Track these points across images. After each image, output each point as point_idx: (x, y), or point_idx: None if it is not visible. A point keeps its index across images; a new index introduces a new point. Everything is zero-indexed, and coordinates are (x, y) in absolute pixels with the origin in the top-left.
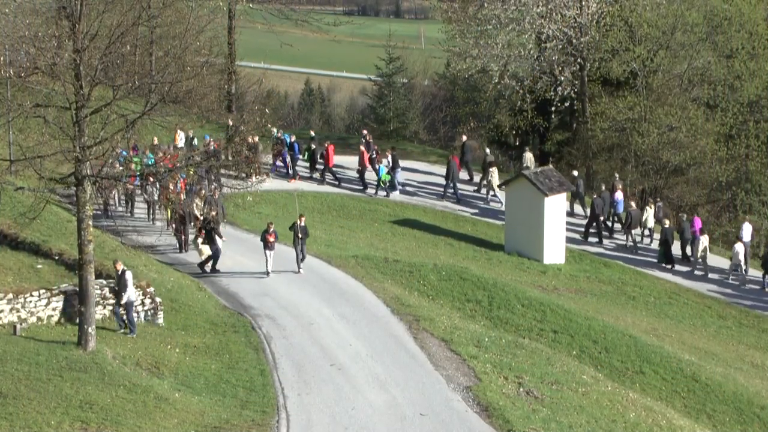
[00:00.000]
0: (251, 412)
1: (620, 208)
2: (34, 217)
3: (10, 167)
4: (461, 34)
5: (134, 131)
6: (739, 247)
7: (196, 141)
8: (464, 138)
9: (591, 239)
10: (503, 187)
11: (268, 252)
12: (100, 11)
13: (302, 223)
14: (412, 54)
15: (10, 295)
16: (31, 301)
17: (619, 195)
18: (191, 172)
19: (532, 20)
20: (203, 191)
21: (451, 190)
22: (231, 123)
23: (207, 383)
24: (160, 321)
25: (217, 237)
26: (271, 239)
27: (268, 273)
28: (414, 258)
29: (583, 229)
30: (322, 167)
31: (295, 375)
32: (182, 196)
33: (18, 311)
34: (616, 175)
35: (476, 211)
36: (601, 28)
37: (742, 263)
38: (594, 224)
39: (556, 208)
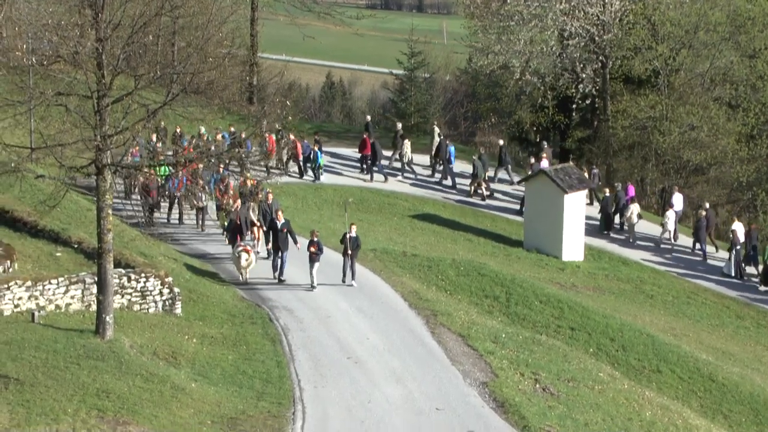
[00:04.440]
0: (267, 403)
1: None
2: (54, 205)
3: (31, 155)
4: (484, 29)
5: (155, 121)
6: (671, 215)
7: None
8: (368, 118)
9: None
10: (521, 183)
11: (311, 264)
12: (123, 0)
13: (353, 234)
14: (434, 49)
15: (29, 283)
16: (49, 289)
17: (544, 164)
18: (248, 175)
19: (555, 17)
20: (259, 195)
21: (376, 168)
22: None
23: (224, 374)
24: (178, 311)
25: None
26: (313, 250)
27: (313, 286)
28: (433, 253)
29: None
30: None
31: (311, 367)
32: (239, 202)
33: (36, 299)
34: (544, 143)
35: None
36: (624, 26)
37: (672, 230)
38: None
39: (575, 205)
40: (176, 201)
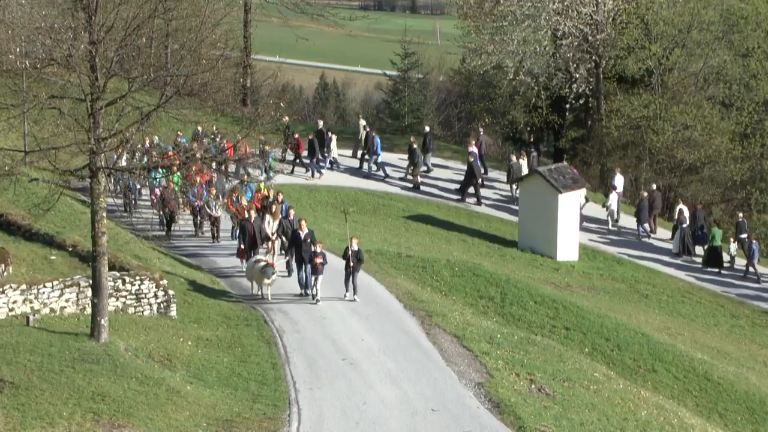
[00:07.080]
0: (263, 405)
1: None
2: (48, 209)
3: (25, 158)
4: (477, 30)
5: (149, 123)
6: (613, 197)
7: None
8: (285, 119)
9: (469, 199)
10: (516, 183)
11: (315, 276)
12: (117, 3)
13: (355, 247)
14: (428, 49)
15: (24, 286)
16: (44, 292)
17: (473, 149)
18: (262, 185)
19: (548, 17)
20: (274, 207)
21: (321, 164)
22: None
23: (219, 376)
24: (173, 313)
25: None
26: (319, 261)
27: (316, 300)
28: (427, 253)
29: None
30: None
31: (306, 369)
32: (253, 213)
33: (31, 302)
34: (480, 130)
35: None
36: (617, 26)
37: (615, 212)
38: (472, 185)
39: (570, 205)
40: (198, 212)
